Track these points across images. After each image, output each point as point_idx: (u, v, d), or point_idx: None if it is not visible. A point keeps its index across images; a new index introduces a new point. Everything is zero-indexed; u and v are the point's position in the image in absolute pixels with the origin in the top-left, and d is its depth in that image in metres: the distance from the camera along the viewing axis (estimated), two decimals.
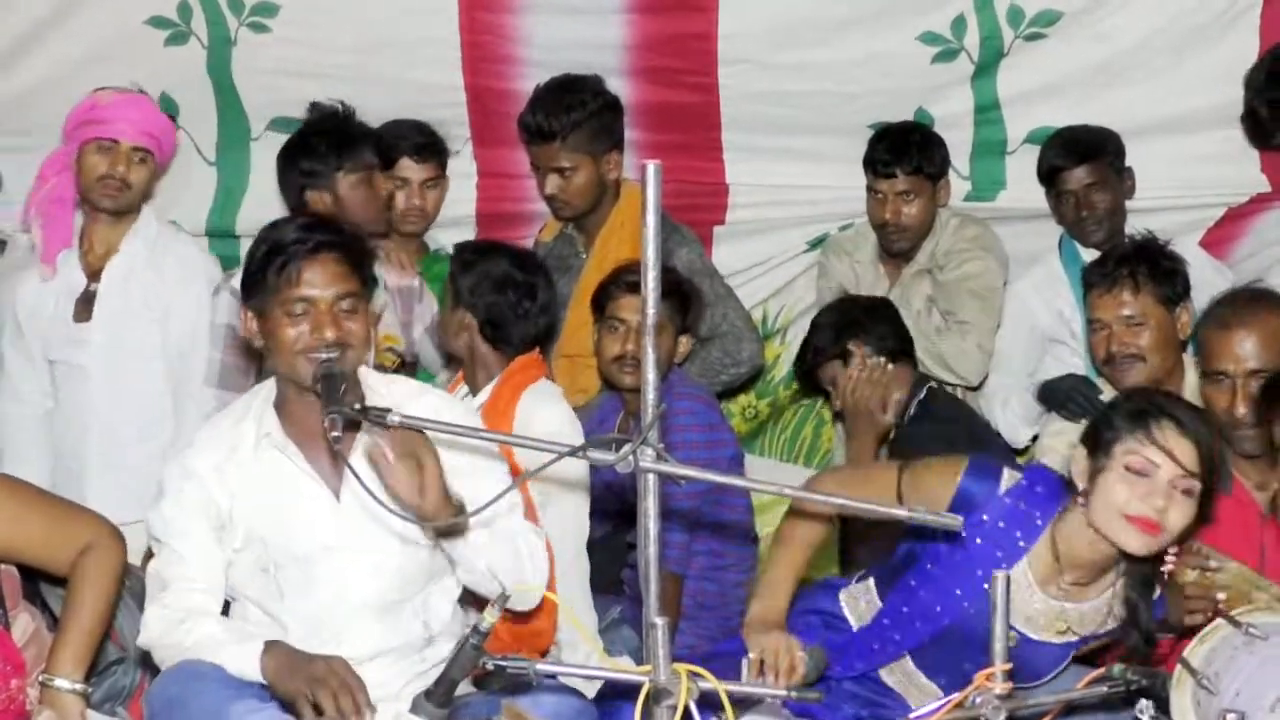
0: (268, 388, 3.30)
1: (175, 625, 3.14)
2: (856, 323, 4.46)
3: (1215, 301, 3.70)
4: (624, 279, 4.12)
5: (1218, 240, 4.88)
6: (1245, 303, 3.57)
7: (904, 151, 4.73)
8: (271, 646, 3.08)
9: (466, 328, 4.00)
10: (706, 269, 4.65)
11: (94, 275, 4.39)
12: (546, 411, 3.87)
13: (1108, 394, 4.10)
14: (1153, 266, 4.01)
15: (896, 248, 4.80)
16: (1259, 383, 3.43)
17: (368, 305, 3.21)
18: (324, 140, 4.48)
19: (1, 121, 4.90)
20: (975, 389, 4.71)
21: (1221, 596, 3.16)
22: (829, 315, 4.58)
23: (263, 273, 3.13)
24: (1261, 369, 3.45)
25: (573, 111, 4.58)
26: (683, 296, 4.21)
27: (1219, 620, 3.03)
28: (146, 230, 4.43)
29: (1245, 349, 3.47)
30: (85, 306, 4.38)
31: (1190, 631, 3.17)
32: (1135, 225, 4.67)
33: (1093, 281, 4.05)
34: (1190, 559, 3.22)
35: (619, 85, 4.89)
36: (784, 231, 5.07)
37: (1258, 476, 3.42)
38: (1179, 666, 2.98)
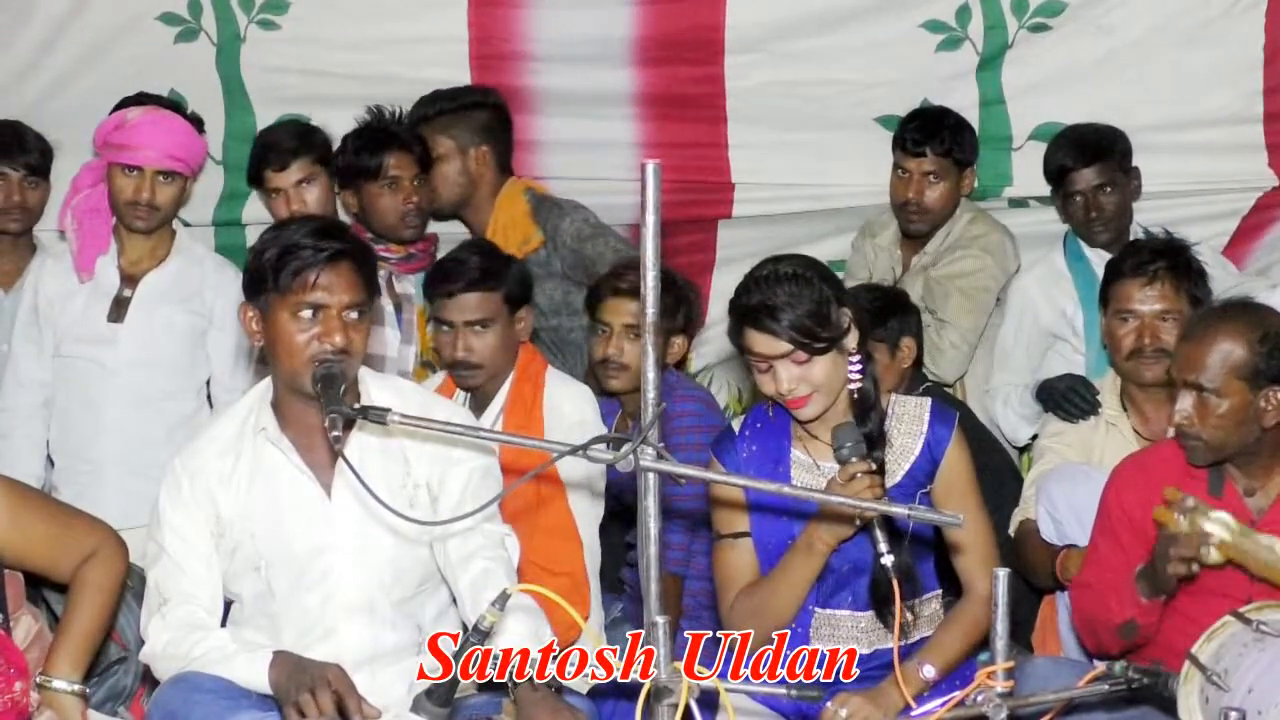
0: (264, 387, 3.31)
1: (181, 638, 3.16)
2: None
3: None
4: (610, 282, 4.11)
5: (1232, 256, 4.87)
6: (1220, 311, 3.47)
7: (936, 133, 4.74)
8: (279, 656, 3.10)
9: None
10: (598, 229, 4.65)
11: (129, 280, 4.42)
12: (575, 394, 3.94)
13: (1106, 393, 4.08)
14: (1187, 265, 3.99)
15: (914, 229, 4.80)
16: (1193, 394, 3.33)
17: (370, 316, 3.23)
18: (363, 145, 4.59)
19: (22, 118, 4.89)
20: (950, 386, 4.70)
21: (1211, 531, 3.13)
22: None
23: (274, 274, 3.12)
24: (1197, 385, 3.29)
25: (444, 100, 4.71)
26: (674, 297, 4.14)
27: (1227, 617, 3.02)
28: (189, 251, 4.48)
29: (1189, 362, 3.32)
30: (118, 308, 4.41)
31: (1173, 589, 3.21)
32: (1143, 221, 4.67)
33: (1124, 271, 4.00)
34: (1177, 507, 3.19)
35: (626, 78, 4.92)
36: (789, 226, 5.05)
37: (1247, 481, 3.39)
38: (1186, 663, 2.96)
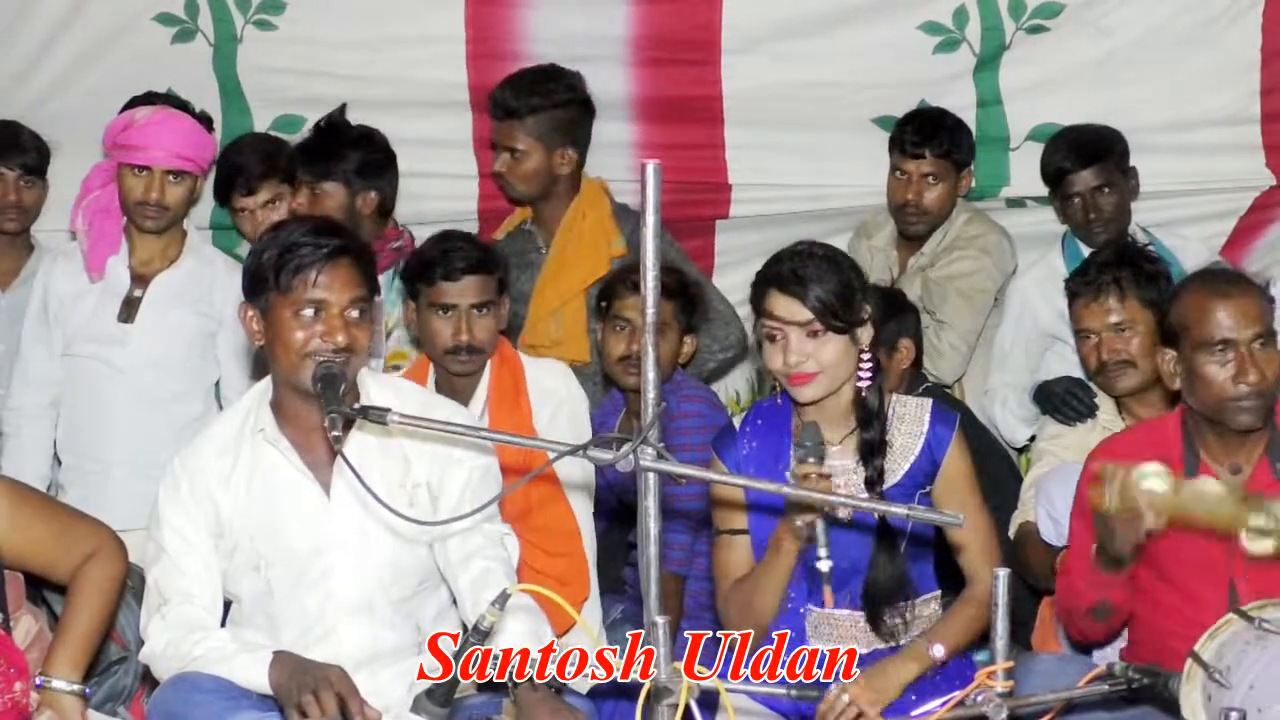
0: (263, 387, 3.31)
1: (181, 638, 3.15)
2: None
3: (1193, 279, 3.49)
4: (630, 278, 4.07)
5: (1230, 256, 4.84)
6: (1227, 275, 3.45)
7: (934, 134, 4.75)
8: (279, 657, 3.09)
9: None
10: (681, 253, 4.65)
11: (139, 280, 4.43)
12: (554, 370, 3.97)
13: (1103, 397, 4.09)
14: (1135, 271, 4.00)
15: (913, 230, 4.80)
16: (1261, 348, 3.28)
17: (371, 314, 3.23)
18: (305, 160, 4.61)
19: (21, 118, 4.91)
20: (949, 387, 4.71)
21: (1146, 492, 3.06)
22: None
23: (275, 273, 3.12)
24: (1262, 334, 3.27)
25: (537, 96, 4.61)
26: (688, 297, 4.20)
27: (1230, 615, 3.01)
28: (200, 252, 4.50)
29: (1245, 315, 3.27)
30: (129, 308, 4.41)
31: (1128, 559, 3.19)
32: (1141, 221, 4.68)
33: (1076, 291, 4.05)
34: (1105, 487, 3.15)
35: (623, 78, 4.92)
36: (788, 226, 5.04)
37: (1229, 460, 3.36)
38: (1189, 661, 2.96)
